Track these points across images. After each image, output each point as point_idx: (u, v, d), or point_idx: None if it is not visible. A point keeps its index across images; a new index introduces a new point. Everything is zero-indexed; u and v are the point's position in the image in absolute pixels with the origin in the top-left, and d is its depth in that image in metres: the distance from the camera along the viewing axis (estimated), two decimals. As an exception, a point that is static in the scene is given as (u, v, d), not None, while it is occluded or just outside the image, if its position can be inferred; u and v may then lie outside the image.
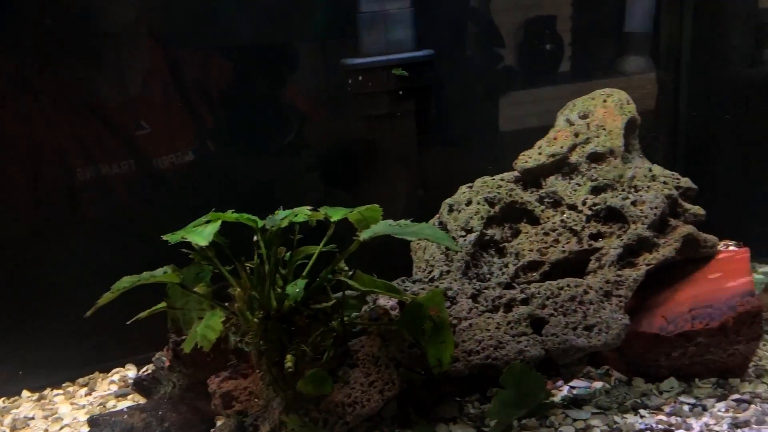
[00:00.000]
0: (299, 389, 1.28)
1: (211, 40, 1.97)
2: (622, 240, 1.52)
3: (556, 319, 1.42)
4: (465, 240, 1.57)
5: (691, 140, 2.19)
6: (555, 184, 1.63)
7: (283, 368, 1.27)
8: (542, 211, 1.61)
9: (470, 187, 1.67)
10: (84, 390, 1.85)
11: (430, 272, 1.56)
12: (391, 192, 2.10)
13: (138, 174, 1.95)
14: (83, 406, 1.76)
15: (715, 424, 1.36)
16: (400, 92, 1.93)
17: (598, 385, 1.54)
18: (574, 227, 1.56)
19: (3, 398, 1.84)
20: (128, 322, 1.32)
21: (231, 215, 1.27)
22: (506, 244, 1.60)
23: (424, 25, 1.97)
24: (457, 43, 2.14)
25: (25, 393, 1.86)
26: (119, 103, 1.95)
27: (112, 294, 1.25)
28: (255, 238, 1.28)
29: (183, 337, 1.41)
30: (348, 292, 1.36)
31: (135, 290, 1.27)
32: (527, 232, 1.61)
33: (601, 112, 1.67)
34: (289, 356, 1.26)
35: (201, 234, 1.23)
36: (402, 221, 1.30)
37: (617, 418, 1.40)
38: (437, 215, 1.66)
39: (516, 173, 1.66)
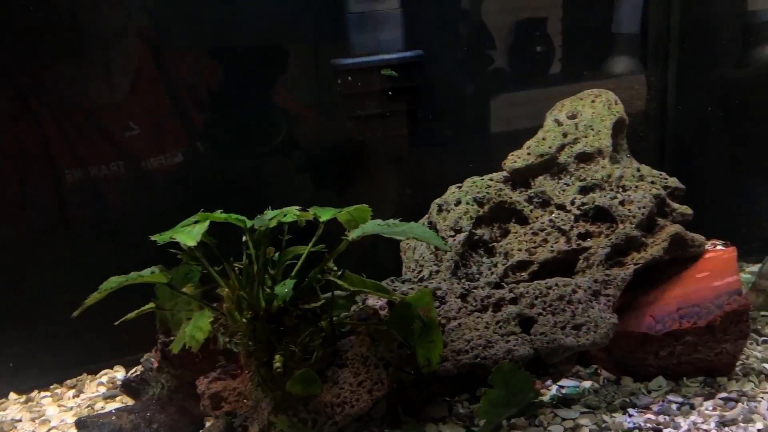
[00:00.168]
0: (288, 389, 1.27)
1: (201, 41, 1.97)
2: (610, 239, 1.53)
3: (544, 319, 1.42)
4: (454, 240, 1.57)
5: (679, 140, 2.20)
6: (544, 184, 1.63)
7: (272, 369, 1.26)
8: (531, 211, 1.62)
9: (459, 187, 1.67)
10: (72, 392, 1.84)
11: (419, 272, 1.56)
12: (381, 192, 2.11)
13: (127, 175, 1.94)
14: (71, 408, 1.75)
15: (702, 423, 1.37)
16: (390, 92, 1.93)
17: (586, 384, 1.55)
18: (563, 227, 1.57)
19: (-10, 400, 1.83)
20: (116, 323, 1.32)
21: (219, 215, 1.27)
22: (495, 243, 1.60)
23: (413, 26, 1.97)
24: (446, 44, 2.14)
25: (12, 395, 1.84)
26: (109, 105, 1.94)
27: (99, 294, 1.24)
28: (244, 238, 1.28)
29: (171, 338, 1.40)
30: (337, 292, 1.36)
31: (123, 292, 1.27)
32: (516, 232, 1.61)
33: (590, 113, 1.68)
34: (277, 356, 1.26)
35: (189, 234, 1.23)
36: (391, 221, 1.30)
37: (606, 417, 1.41)
38: (427, 215, 1.67)
39: (505, 173, 1.67)
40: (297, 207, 1.30)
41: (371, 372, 1.33)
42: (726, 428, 1.35)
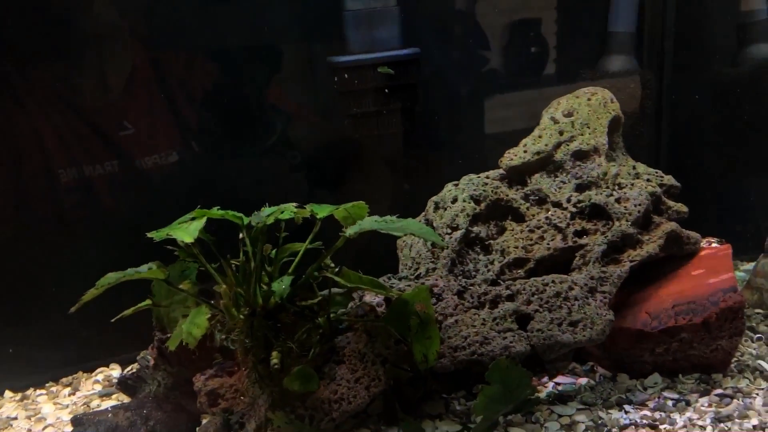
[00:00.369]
0: (285, 386, 1.27)
1: (195, 41, 1.97)
2: (606, 237, 1.53)
3: (541, 315, 1.42)
4: (451, 237, 1.57)
5: (674, 138, 2.21)
6: (540, 181, 1.64)
7: (269, 365, 1.26)
8: (527, 208, 1.62)
9: (456, 184, 1.67)
10: (68, 390, 1.84)
11: (416, 269, 1.56)
12: (377, 189, 2.11)
13: (121, 174, 1.94)
14: (67, 406, 1.75)
15: (698, 419, 1.37)
16: (386, 90, 1.93)
17: (583, 381, 1.55)
18: (559, 224, 1.57)
19: (-15, 399, 1.83)
20: (112, 320, 1.31)
21: (216, 212, 1.27)
22: (492, 241, 1.61)
23: (410, 24, 1.97)
24: (443, 42, 2.14)
25: (8, 393, 1.84)
26: (103, 104, 1.93)
27: (96, 290, 1.24)
28: (241, 235, 1.28)
29: (168, 335, 1.40)
30: (334, 288, 1.36)
31: (119, 290, 1.26)
32: (512, 230, 1.61)
33: (586, 111, 1.68)
34: (275, 353, 1.26)
35: (186, 231, 1.22)
36: (388, 217, 1.30)
37: (602, 414, 1.41)
38: (423, 213, 1.67)
39: (501, 171, 1.67)
40: (294, 204, 1.30)
41: (368, 368, 1.33)
42: (721, 424, 1.35)
